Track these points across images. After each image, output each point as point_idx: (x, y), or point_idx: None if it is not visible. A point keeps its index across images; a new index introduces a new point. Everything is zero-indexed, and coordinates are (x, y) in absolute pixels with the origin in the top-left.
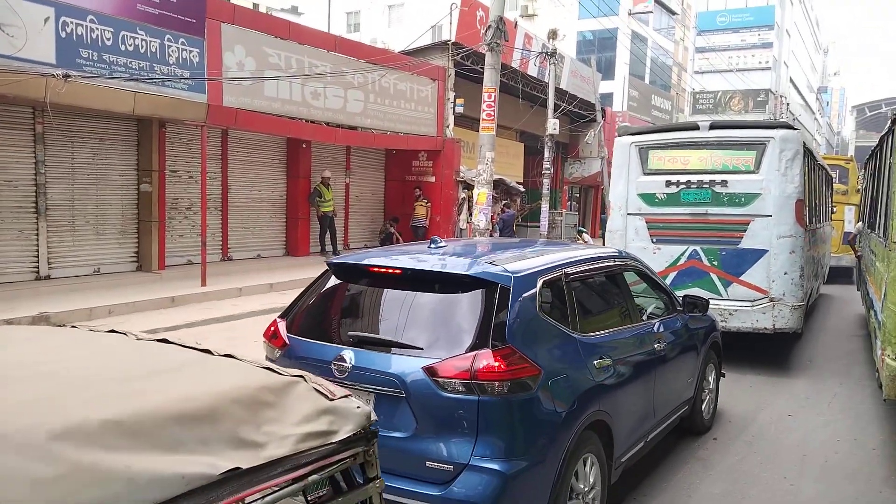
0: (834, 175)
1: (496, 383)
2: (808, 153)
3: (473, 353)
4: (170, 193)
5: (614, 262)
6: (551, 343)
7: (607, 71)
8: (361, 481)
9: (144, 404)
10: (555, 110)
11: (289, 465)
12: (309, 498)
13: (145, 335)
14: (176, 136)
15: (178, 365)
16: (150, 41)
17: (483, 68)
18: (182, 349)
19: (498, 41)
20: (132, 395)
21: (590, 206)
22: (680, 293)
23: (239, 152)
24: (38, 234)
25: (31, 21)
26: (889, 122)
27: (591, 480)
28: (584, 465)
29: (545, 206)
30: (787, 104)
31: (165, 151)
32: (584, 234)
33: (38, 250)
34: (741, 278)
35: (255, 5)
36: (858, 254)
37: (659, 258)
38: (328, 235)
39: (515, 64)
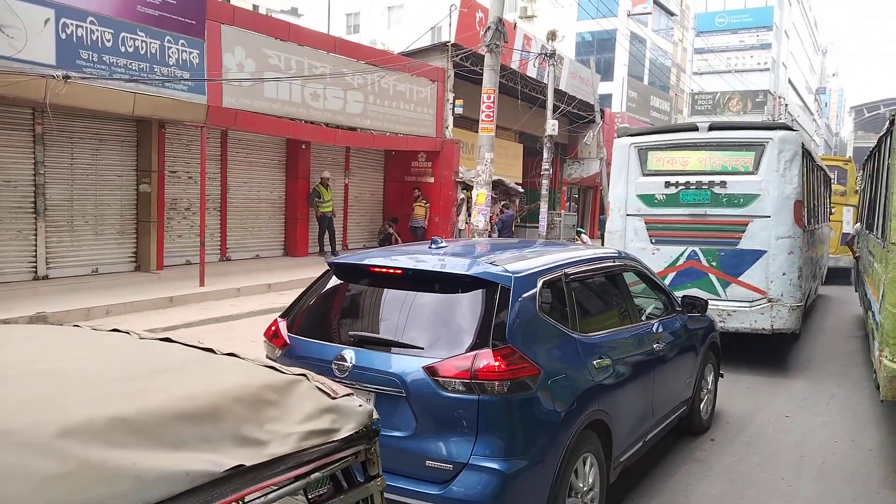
0: (832, 176)
1: (496, 383)
2: (807, 154)
3: (474, 352)
4: (169, 194)
5: (614, 262)
6: (551, 343)
7: (606, 72)
8: (362, 480)
9: (149, 402)
10: (554, 111)
11: (291, 463)
12: (310, 496)
13: (148, 334)
14: (175, 136)
15: (181, 364)
16: (151, 42)
17: (482, 69)
18: (185, 348)
19: (497, 42)
20: (136, 394)
21: (588, 206)
22: (679, 293)
23: (238, 153)
24: (36, 235)
25: (31, 22)
26: (887, 123)
27: (591, 480)
28: (584, 465)
29: (544, 207)
30: (786, 105)
31: (165, 152)
32: (582, 235)
33: (36, 250)
34: (740, 279)
35: (255, 7)
36: (856, 255)
37: (658, 259)
38: (327, 236)
39: (515, 65)
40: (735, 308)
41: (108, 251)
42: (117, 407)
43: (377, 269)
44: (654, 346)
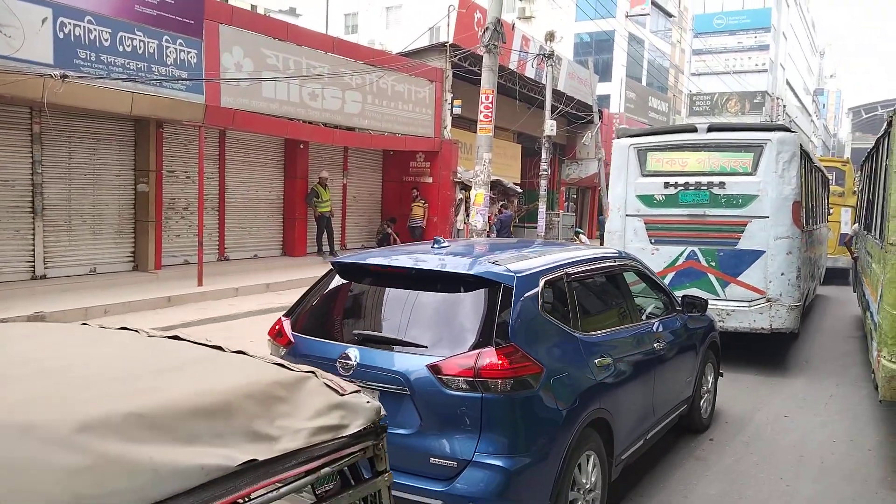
0: (830, 177)
1: (499, 381)
2: (805, 155)
3: (477, 351)
4: (167, 193)
5: (614, 262)
6: (553, 342)
7: (604, 73)
8: (369, 475)
9: (163, 399)
10: (552, 112)
11: (302, 458)
12: (318, 491)
13: (157, 332)
14: (173, 136)
15: (192, 361)
16: (148, 42)
17: (480, 70)
18: (194, 346)
19: (495, 43)
20: (150, 390)
21: (587, 207)
22: (678, 293)
23: (236, 153)
24: (34, 234)
25: (28, 21)
26: (885, 123)
27: (592, 477)
28: (586, 463)
29: (542, 207)
30: (784, 106)
31: (163, 152)
32: (580, 236)
33: (34, 250)
34: (739, 279)
35: (253, 7)
36: (855, 255)
37: (657, 259)
38: (325, 236)
39: (513, 66)
40: (734, 308)
41: (106, 251)
42: (133, 403)
43: (381, 269)
44: (655, 345)
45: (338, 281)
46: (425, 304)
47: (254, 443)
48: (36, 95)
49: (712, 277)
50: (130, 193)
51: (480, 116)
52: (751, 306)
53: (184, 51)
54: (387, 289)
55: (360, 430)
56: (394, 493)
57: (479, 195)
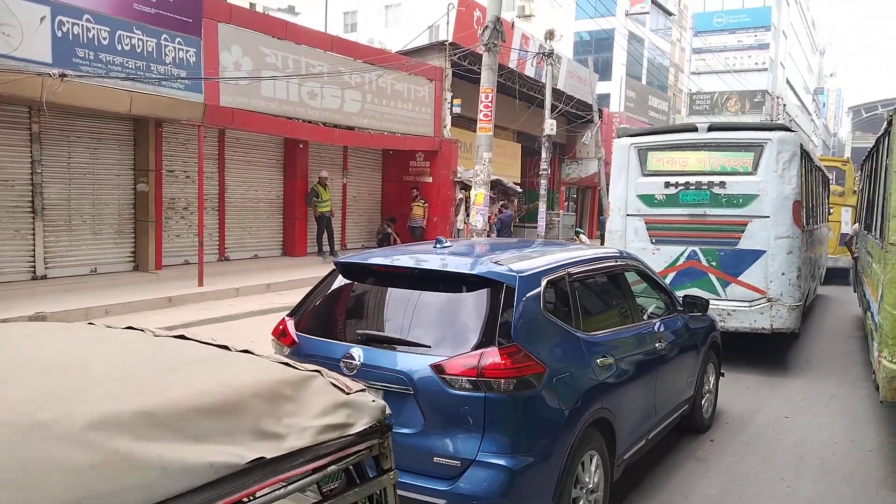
0: (830, 177)
1: (502, 381)
2: (805, 155)
3: (480, 350)
4: (166, 193)
5: (616, 262)
6: (555, 341)
7: (604, 72)
8: (374, 474)
9: (171, 397)
10: (552, 111)
11: (309, 456)
12: (323, 490)
13: (162, 332)
14: (173, 135)
15: (198, 360)
16: (147, 41)
17: (480, 69)
18: (200, 345)
19: (495, 42)
20: (158, 389)
21: (587, 206)
22: (679, 293)
23: (236, 152)
24: (34, 234)
25: (27, 20)
26: (885, 123)
27: (595, 477)
28: (589, 462)
29: (542, 207)
30: (784, 105)
31: (162, 151)
32: (581, 235)
33: (34, 250)
34: (739, 279)
35: (252, 5)
36: (855, 255)
37: (658, 258)
38: (325, 236)
39: (513, 64)
40: (735, 307)
41: (107, 251)
42: (141, 401)
43: (383, 269)
44: (657, 345)
45: (341, 281)
46: (428, 303)
47: (261, 441)
48: (35, 95)
49: (713, 277)
50: (130, 193)
51: (480, 115)
52: (751, 306)
53: (182, 49)
54: (390, 289)
55: (365, 429)
56: (398, 491)
57: (479, 195)
